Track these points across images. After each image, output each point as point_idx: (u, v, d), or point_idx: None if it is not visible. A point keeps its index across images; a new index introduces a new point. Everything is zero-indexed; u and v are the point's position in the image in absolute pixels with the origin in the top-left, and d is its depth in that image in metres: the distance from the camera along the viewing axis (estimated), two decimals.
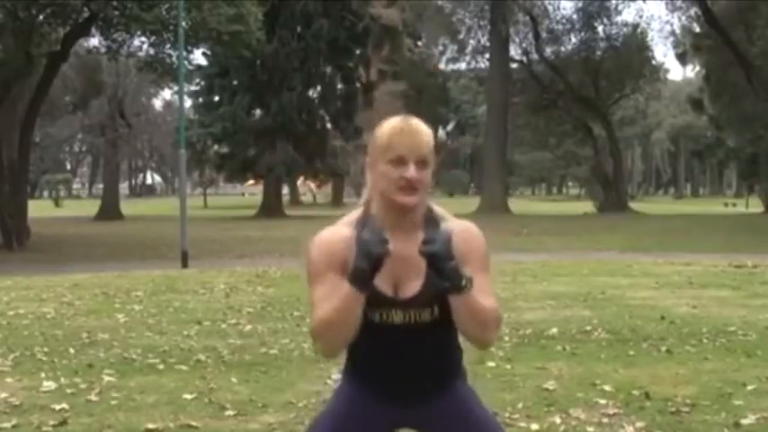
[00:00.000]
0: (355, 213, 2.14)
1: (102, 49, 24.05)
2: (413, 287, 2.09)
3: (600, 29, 43.38)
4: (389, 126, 2.10)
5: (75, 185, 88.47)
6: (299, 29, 36.19)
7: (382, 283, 2.07)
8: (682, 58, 52.21)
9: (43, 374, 5.78)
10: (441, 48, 50.43)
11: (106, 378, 5.64)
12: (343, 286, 1.99)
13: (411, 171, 2.04)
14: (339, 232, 2.10)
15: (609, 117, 45.04)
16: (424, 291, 2.08)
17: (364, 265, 1.96)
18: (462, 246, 2.05)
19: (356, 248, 1.98)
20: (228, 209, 49.47)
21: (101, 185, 53.30)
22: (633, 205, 44.73)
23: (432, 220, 2.10)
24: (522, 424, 4.50)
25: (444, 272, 1.98)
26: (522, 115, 45.33)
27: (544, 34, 42.98)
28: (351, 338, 2.06)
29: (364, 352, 2.17)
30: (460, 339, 2.19)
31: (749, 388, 5.19)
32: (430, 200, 2.15)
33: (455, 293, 2.00)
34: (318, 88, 39.70)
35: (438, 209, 2.17)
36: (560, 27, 43.77)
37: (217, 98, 39.05)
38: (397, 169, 2.05)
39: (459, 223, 2.14)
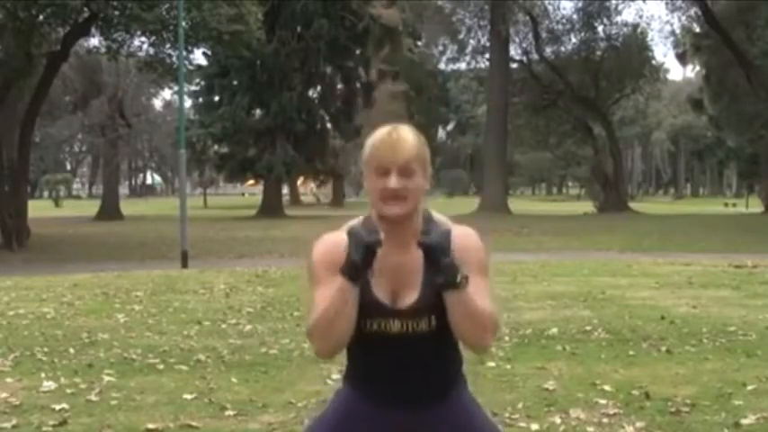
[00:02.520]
0: (356, 220, 2.15)
1: (102, 49, 24.05)
2: (410, 297, 2.09)
3: (600, 29, 43.37)
4: (373, 137, 2.11)
5: (75, 185, 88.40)
6: (299, 29, 36.18)
7: (380, 292, 2.08)
8: (682, 58, 52.09)
9: (43, 374, 5.78)
10: (441, 48, 50.43)
11: (106, 378, 5.64)
12: (337, 280, 2.00)
13: (393, 181, 2.04)
14: (339, 237, 2.11)
15: (609, 117, 45.03)
16: (422, 300, 2.08)
17: (356, 255, 1.98)
18: (461, 248, 2.05)
19: (349, 241, 2.00)
20: (228, 209, 49.47)
21: (101, 185, 53.30)
22: (633, 205, 44.72)
23: (430, 221, 2.10)
24: (522, 424, 4.49)
25: (440, 265, 1.98)
26: (522, 115, 45.30)
27: (544, 34, 42.96)
28: (346, 338, 2.05)
29: (363, 362, 2.18)
30: (460, 346, 2.20)
31: (749, 388, 5.19)
32: (428, 205, 2.15)
33: (450, 289, 2.00)
34: (318, 88, 39.70)
35: (438, 215, 2.16)
36: (560, 27, 43.75)
37: (217, 98, 39.05)
38: (381, 179, 2.05)
39: (459, 227, 2.14)
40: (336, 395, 2.29)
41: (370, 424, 2.19)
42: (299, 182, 56.80)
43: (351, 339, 2.10)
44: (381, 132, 2.11)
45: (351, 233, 2.01)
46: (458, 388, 2.24)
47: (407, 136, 2.09)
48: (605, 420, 4.57)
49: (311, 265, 2.13)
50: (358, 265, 1.98)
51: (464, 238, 2.11)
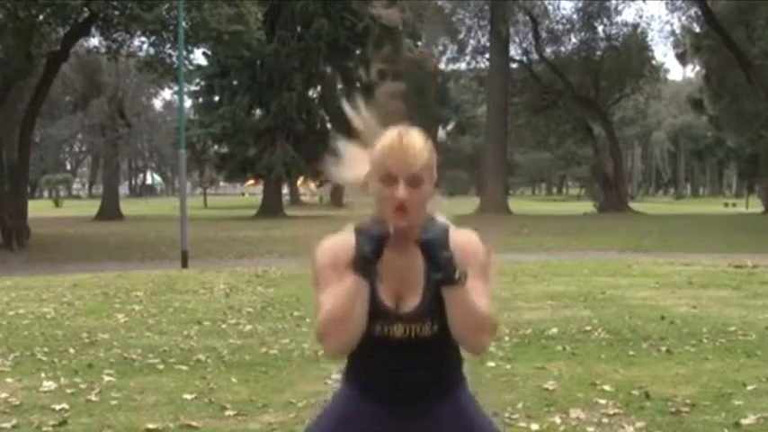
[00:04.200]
0: (360, 221, 2.11)
1: (102, 49, 24.06)
2: (413, 301, 2.08)
3: (600, 29, 43.41)
4: (382, 142, 2.05)
5: (75, 185, 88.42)
6: (299, 29, 36.19)
7: (384, 295, 2.07)
8: (682, 58, 52.10)
9: (43, 374, 5.77)
10: (441, 48, 50.42)
11: (106, 378, 5.63)
12: (348, 278, 1.97)
13: (401, 191, 1.99)
14: (345, 239, 2.08)
15: (609, 117, 45.03)
16: (423, 305, 2.07)
17: (366, 248, 1.95)
18: (461, 249, 2.03)
19: (357, 237, 1.98)
20: (228, 209, 49.47)
21: (101, 185, 53.30)
22: (633, 205, 44.74)
23: (431, 221, 2.06)
24: (522, 424, 4.49)
25: (438, 261, 1.96)
26: (522, 115, 45.31)
27: (544, 34, 42.97)
28: (358, 334, 2.02)
29: (364, 364, 2.16)
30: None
31: (749, 388, 5.19)
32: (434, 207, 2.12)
33: (448, 285, 1.98)
34: (318, 88, 39.69)
35: (440, 216, 2.13)
36: (560, 27, 43.77)
37: (217, 98, 39.06)
38: (389, 188, 2.00)
39: (460, 230, 2.11)
40: (334, 397, 2.28)
41: (369, 421, 2.19)
42: (299, 182, 56.80)
43: None
44: (389, 137, 2.05)
45: (359, 228, 1.99)
46: (458, 389, 2.23)
47: (416, 143, 2.04)
48: (605, 420, 4.56)
49: (316, 270, 2.09)
50: (369, 257, 1.96)
51: (464, 239, 2.09)
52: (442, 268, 1.97)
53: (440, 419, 2.19)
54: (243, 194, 76.90)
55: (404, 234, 2.06)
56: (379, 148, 2.05)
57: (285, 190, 50.61)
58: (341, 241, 2.09)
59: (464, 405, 2.22)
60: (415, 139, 2.05)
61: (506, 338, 6.91)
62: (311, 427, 2.28)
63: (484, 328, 2.05)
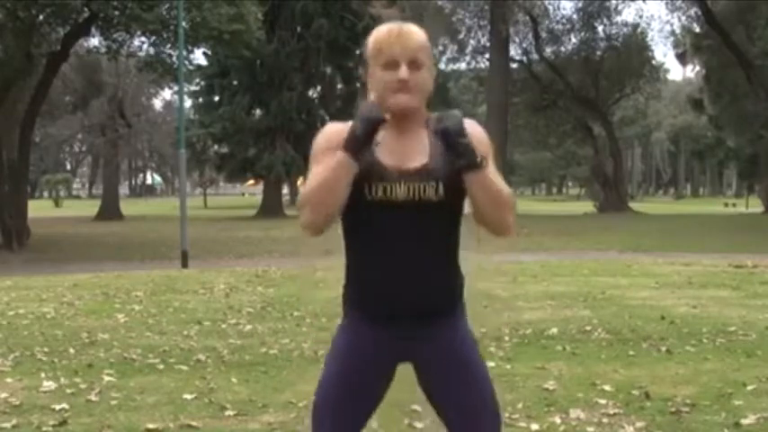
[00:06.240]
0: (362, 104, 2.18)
1: (102, 49, 24.08)
2: (418, 161, 2.10)
3: (600, 29, 43.39)
4: (379, 31, 2.14)
5: (75, 185, 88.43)
6: (299, 29, 36.21)
7: (386, 158, 2.09)
8: (682, 58, 52.11)
9: (43, 374, 5.77)
10: (441, 48, 50.39)
11: (106, 378, 5.63)
12: (336, 154, 2.01)
13: (403, 72, 2.07)
14: (347, 125, 2.12)
15: (609, 117, 45.04)
16: (430, 164, 2.09)
17: (358, 127, 2.00)
18: (471, 136, 2.07)
19: (355, 116, 2.04)
20: (228, 209, 49.48)
21: (101, 185, 53.32)
22: (633, 205, 44.74)
23: (443, 111, 2.12)
24: (522, 424, 4.49)
25: (460, 148, 2.01)
26: (522, 115, 45.31)
27: (544, 34, 42.95)
28: (336, 209, 2.03)
29: (364, 247, 2.13)
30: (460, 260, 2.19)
31: (749, 388, 5.19)
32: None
33: (471, 170, 2.02)
34: (318, 88, 39.71)
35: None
36: (560, 27, 43.75)
37: (217, 98, 39.07)
38: (391, 72, 2.08)
39: (466, 120, 2.16)
40: (338, 330, 2.26)
41: (371, 348, 2.16)
42: (299, 182, 56.78)
43: (352, 223, 2.10)
44: (387, 26, 2.15)
45: (357, 108, 2.06)
46: (458, 312, 2.21)
47: (412, 28, 2.14)
48: (605, 420, 4.56)
49: (313, 151, 2.15)
50: (359, 137, 2.00)
51: (472, 128, 2.13)
52: (464, 154, 2.01)
53: (439, 346, 2.16)
54: (243, 194, 76.96)
55: (405, 116, 2.10)
56: (376, 38, 2.13)
57: (285, 190, 50.60)
58: (341, 126, 2.13)
59: (461, 340, 2.20)
60: (411, 26, 2.15)
61: (506, 338, 6.91)
62: (324, 365, 2.26)
63: (507, 206, 2.11)
